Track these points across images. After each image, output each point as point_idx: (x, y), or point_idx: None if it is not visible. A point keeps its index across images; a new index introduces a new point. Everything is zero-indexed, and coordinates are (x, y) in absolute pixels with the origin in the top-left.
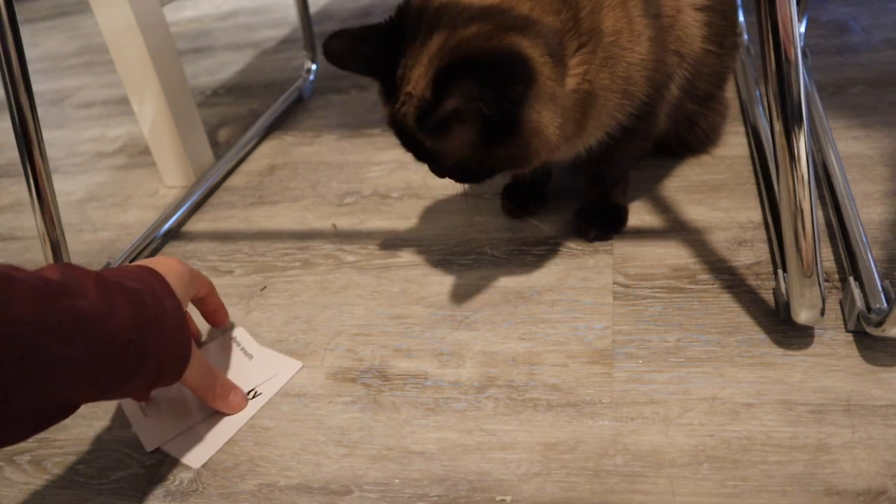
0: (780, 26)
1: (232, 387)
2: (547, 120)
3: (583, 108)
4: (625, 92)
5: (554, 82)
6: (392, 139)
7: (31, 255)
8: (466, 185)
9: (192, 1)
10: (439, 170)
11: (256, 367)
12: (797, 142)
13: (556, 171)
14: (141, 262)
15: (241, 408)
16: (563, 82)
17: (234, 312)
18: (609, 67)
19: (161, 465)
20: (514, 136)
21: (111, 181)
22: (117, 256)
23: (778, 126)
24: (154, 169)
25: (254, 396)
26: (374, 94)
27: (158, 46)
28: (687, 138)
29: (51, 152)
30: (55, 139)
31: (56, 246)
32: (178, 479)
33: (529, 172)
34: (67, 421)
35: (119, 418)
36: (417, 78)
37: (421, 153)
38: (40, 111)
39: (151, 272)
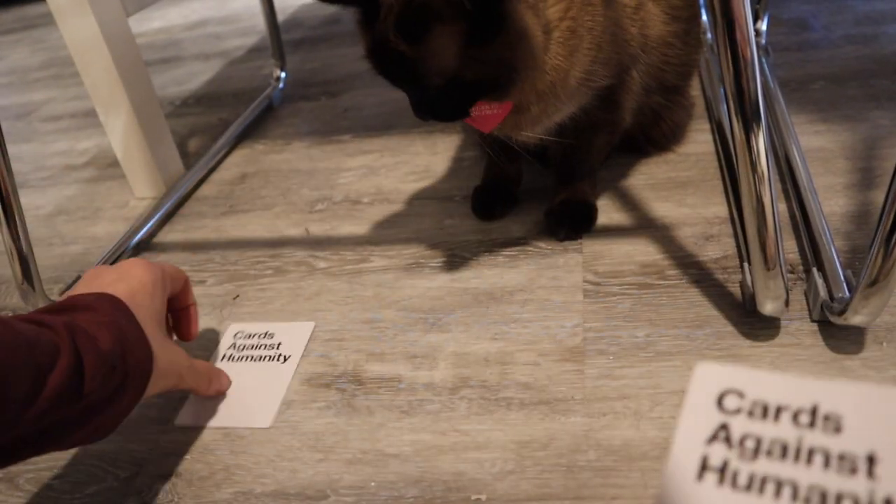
0: (736, 26)
1: (216, 372)
2: (532, 26)
3: (567, 45)
4: (599, 47)
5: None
6: (361, 144)
7: (0, 270)
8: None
9: (160, 11)
10: (423, 97)
11: (276, 339)
12: (756, 139)
13: (525, 172)
14: (104, 273)
15: (228, 385)
16: (546, 7)
17: (207, 322)
18: (588, 11)
19: (136, 476)
20: (500, 35)
21: (80, 194)
22: (88, 269)
23: (737, 123)
24: (124, 181)
25: (284, 361)
26: (343, 100)
27: (125, 58)
28: (652, 133)
29: (18, 166)
30: (23, 153)
31: (25, 261)
32: (153, 489)
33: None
34: None
35: None
36: None
37: (404, 73)
38: (6, 125)
39: (114, 303)
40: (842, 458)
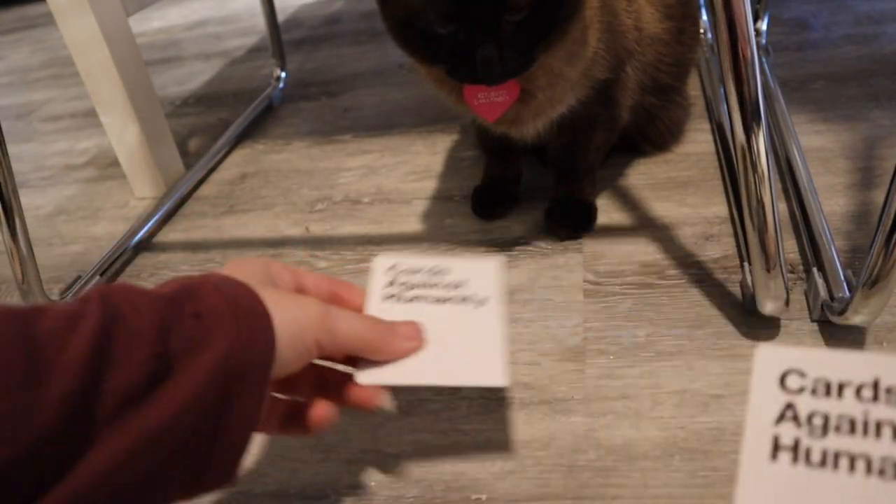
0: (736, 25)
1: (387, 325)
2: None
3: (587, 13)
4: (600, 33)
5: None
6: (362, 144)
7: (0, 270)
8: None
9: (160, 11)
10: (495, 45)
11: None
12: (756, 138)
13: (525, 171)
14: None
15: (418, 337)
16: None
17: None
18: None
19: None
20: None
21: (80, 194)
22: (88, 270)
23: (737, 123)
24: (124, 181)
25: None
26: (343, 100)
27: (125, 58)
28: (649, 132)
29: (18, 166)
30: (22, 153)
31: (25, 261)
32: None
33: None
34: None
35: None
36: None
37: (493, 16)
38: (6, 125)
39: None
40: (447, 284)
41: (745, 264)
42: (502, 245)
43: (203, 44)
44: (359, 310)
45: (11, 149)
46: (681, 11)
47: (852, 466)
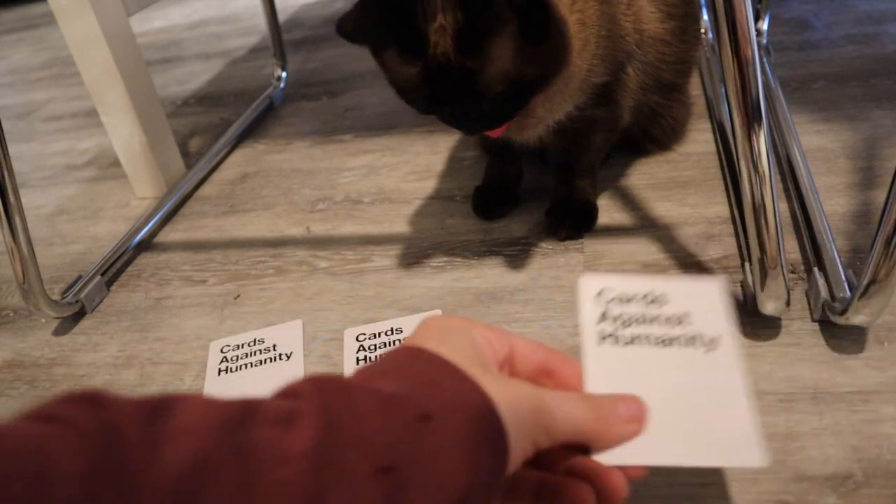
0: (738, 25)
1: (612, 401)
2: (566, 13)
3: (579, 38)
4: (598, 42)
5: None
6: (363, 144)
7: (0, 270)
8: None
9: (161, 11)
10: (475, 111)
11: (269, 342)
12: (757, 138)
13: (526, 171)
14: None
15: (641, 419)
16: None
17: (208, 322)
18: (591, 7)
19: None
20: (549, 29)
21: (81, 194)
22: (89, 269)
23: (738, 123)
24: (125, 180)
25: (287, 359)
26: (344, 100)
27: (126, 57)
28: (652, 132)
29: (19, 166)
30: (23, 153)
31: (25, 260)
32: None
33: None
34: None
35: None
36: (442, 7)
37: (466, 89)
38: (7, 125)
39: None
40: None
41: (746, 264)
42: (503, 245)
43: (204, 44)
44: (574, 387)
45: (12, 149)
46: (683, 10)
47: (647, 342)
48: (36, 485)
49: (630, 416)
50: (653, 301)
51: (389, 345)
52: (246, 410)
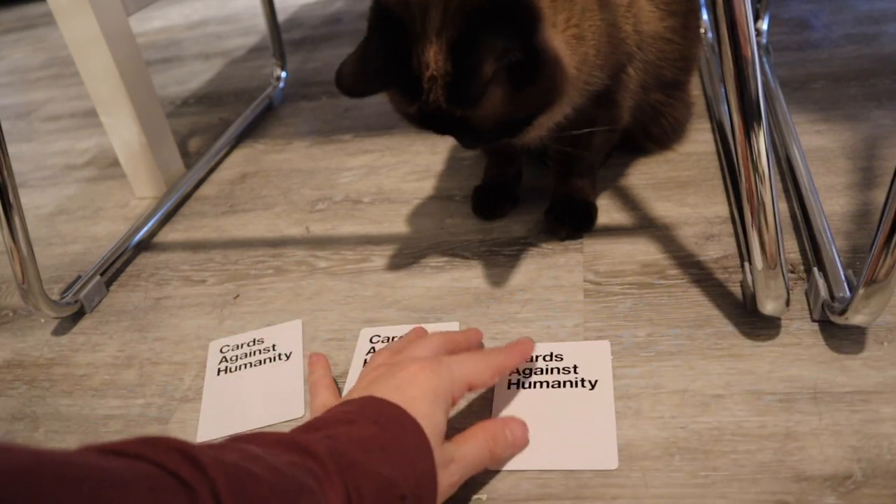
0: (737, 25)
1: (498, 425)
2: (559, 44)
3: (578, 53)
4: (598, 51)
5: (549, 13)
6: (362, 144)
7: (0, 270)
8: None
9: (160, 11)
10: (476, 138)
11: (268, 342)
12: (756, 138)
13: (525, 171)
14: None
15: (523, 439)
16: (555, 22)
17: (207, 321)
18: (588, 18)
19: None
20: (540, 70)
21: (81, 194)
22: (88, 269)
23: (737, 123)
24: (124, 180)
25: (287, 359)
26: (344, 100)
27: (125, 57)
28: (653, 131)
29: (19, 166)
30: (23, 153)
31: (25, 260)
32: None
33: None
34: (39, 436)
35: (92, 431)
36: (434, 58)
37: (457, 129)
38: (7, 125)
39: (399, 420)
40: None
41: (746, 264)
42: (502, 245)
43: (204, 43)
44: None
45: (12, 148)
46: (684, 6)
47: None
48: None
49: (514, 440)
50: (550, 357)
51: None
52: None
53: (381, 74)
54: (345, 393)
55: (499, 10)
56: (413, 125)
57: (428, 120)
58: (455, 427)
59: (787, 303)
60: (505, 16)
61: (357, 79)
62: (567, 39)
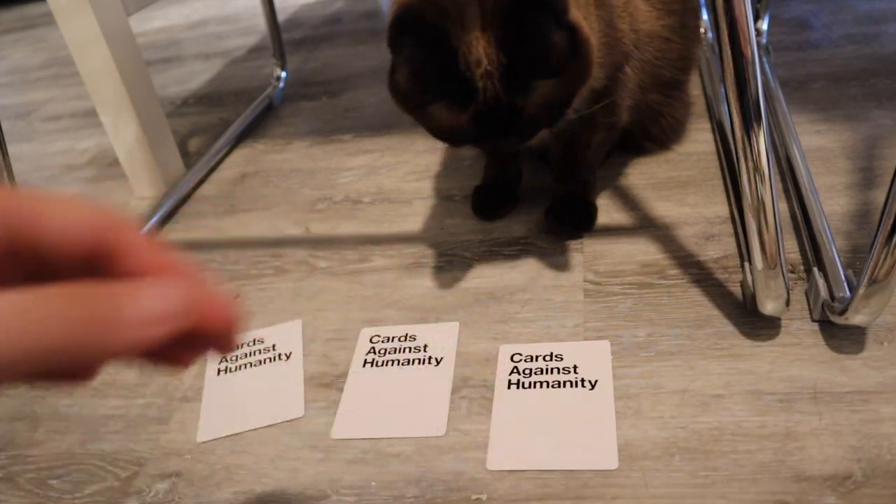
0: (737, 25)
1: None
2: (583, 19)
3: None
4: (599, 45)
5: None
6: (362, 143)
7: None
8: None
9: (160, 11)
10: (527, 132)
11: (269, 342)
12: (756, 138)
13: (525, 171)
14: None
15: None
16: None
17: None
18: (591, 13)
19: (136, 476)
20: (578, 46)
21: (81, 194)
22: None
23: (737, 123)
24: (124, 180)
25: (287, 359)
26: (344, 100)
27: (125, 57)
28: (652, 130)
29: (19, 166)
30: (23, 153)
31: None
32: (153, 490)
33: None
34: (40, 436)
35: (92, 431)
36: (485, 53)
37: (511, 126)
38: (7, 125)
39: None
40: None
41: (746, 264)
42: (502, 245)
43: (204, 43)
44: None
45: (12, 148)
46: (681, 6)
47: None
48: None
49: (153, 315)
50: (550, 357)
51: (400, 350)
52: None
53: (439, 83)
54: None
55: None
56: (462, 140)
57: (484, 121)
58: (456, 428)
59: (787, 303)
60: (541, 1)
61: (417, 95)
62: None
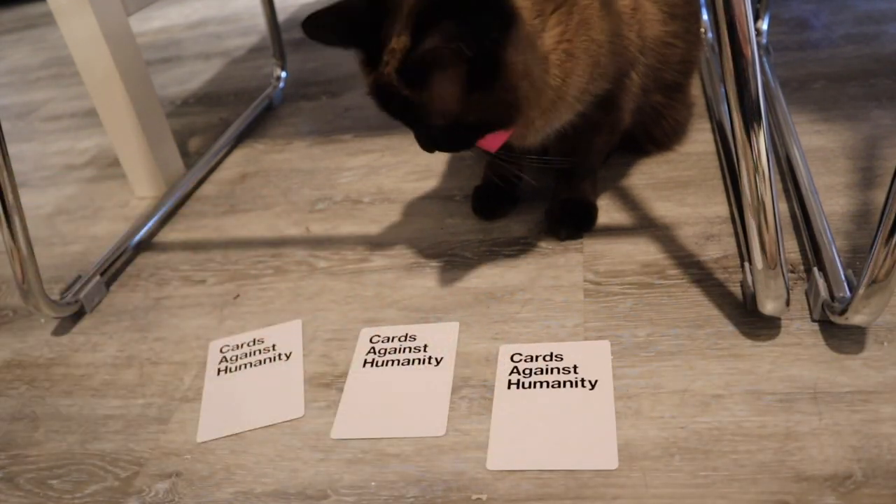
0: (737, 25)
1: None
2: (531, 63)
3: (564, 68)
4: (597, 62)
5: (534, 30)
6: (362, 143)
7: (0, 270)
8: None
9: (160, 10)
10: (427, 133)
11: (269, 342)
12: (757, 138)
13: (525, 171)
14: None
15: None
16: (543, 35)
17: (207, 321)
18: (584, 31)
19: (136, 476)
20: (500, 79)
21: (81, 193)
22: (88, 269)
23: (738, 123)
24: (124, 180)
25: (287, 359)
26: (344, 100)
27: (125, 57)
28: (654, 132)
29: (19, 166)
30: (23, 153)
31: (25, 260)
32: (153, 490)
33: (503, 168)
34: (39, 436)
35: (92, 431)
36: (399, 32)
37: (407, 113)
38: (7, 125)
39: None
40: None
41: (746, 264)
42: (502, 245)
43: (204, 43)
44: None
45: (12, 148)
46: (686, 10)
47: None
48: None
49: None
50: (550, 357)
51: (400, 350)
52: None
53: (351, 31)
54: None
55: (474, 3)
56: (373, 101)
57: (381, 95)
58: (456, 428)
59: (787, 303)
60: (478, 11)
61: (325, 26)
62: (557, 56)
